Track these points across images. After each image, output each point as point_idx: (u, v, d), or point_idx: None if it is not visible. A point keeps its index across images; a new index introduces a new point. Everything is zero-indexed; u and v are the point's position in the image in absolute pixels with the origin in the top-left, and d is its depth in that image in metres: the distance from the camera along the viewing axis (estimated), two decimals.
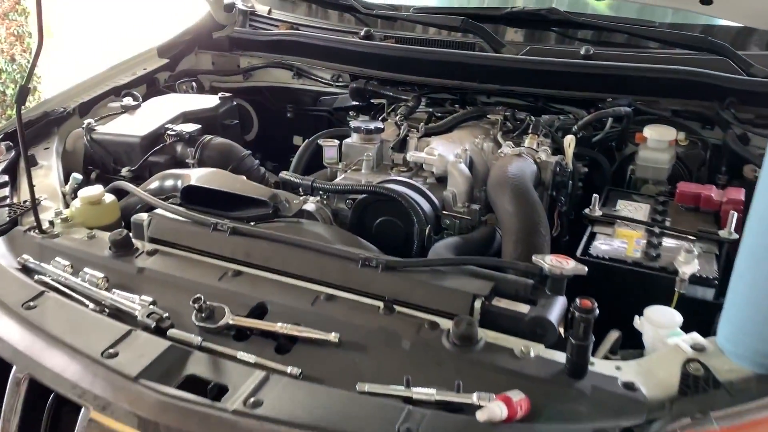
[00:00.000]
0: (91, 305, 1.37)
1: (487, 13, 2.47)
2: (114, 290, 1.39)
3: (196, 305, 1.30)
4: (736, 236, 1.57)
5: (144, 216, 1.63)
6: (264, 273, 1.46)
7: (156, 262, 1.51)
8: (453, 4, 3.05)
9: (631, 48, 2.35)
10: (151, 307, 1.33)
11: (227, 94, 2.33)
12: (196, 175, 1.77)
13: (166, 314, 1.31)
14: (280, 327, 1.26)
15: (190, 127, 2.05)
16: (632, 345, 1.37)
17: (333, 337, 1.24)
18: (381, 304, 1.33)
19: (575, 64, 2.17)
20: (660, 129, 1.98)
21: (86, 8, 6.88)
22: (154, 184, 1.84)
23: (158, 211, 1.64)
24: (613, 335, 1.35)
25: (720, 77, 2.04)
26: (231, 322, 1.30)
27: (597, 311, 1.11)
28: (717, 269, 1.48)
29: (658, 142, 1.98)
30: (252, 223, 1.59)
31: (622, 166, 2.15)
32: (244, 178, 1.84)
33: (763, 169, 1.08)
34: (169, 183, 1.81)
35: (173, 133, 2.02)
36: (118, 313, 1.35)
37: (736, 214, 1.56)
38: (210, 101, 2.30)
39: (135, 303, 1.35)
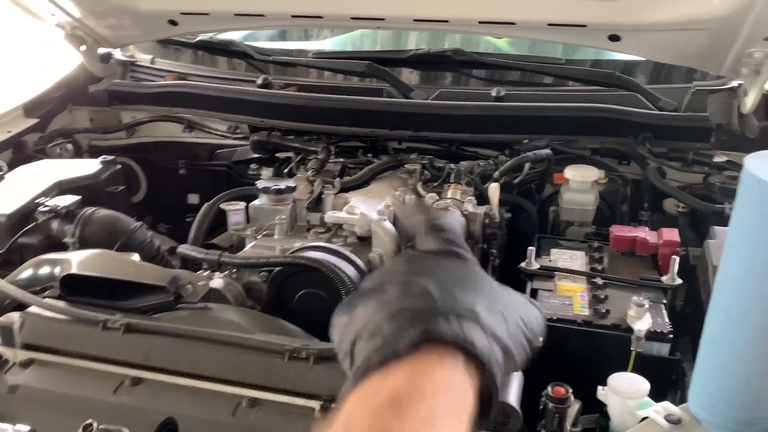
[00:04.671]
0: None
1: (391, 56, 2.37)
2: None
3: None
4: (679, 282, 1.50)
5: (15, 316, 1.35)
6: (170, 378, 1.23)
7: (32, 377, 1.25)
8: (346, 48, 2.94)
9: (534, 86, 2.32)
10: None
11: (110, 157, 2.06)
12: (78, 259, 1.50)
13: None
14: None
15: (67, 200, 1.77)
16: (586, 408, 1.26)
17: None
18: (317, 404, 1.14)
19: (488, 107, 2.09)
20: (582, 169, 1.93)
21: None
22: (25, 273, 1.55)
23: (32, 308, 1.36)
24: (574, 406, 1.22)
25: (633, 113, 2.03)
26: None
27: (572, 399, 0.98)
28: (668, 320, 1.40)
29: (581, 183, 1.92)
30: (150, 315, 1.35)
31: (543, 208, 2.08)
32: (137, 257, 1.58)
33: (731, 226, 0.99)
34: (44, 271, 1.53)
35: (47, 208, 1.73)
36: None
37: (677, 259, 1.50)
38: (90, 166, 2.02)
39: None
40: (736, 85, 2.01)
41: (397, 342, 0.64)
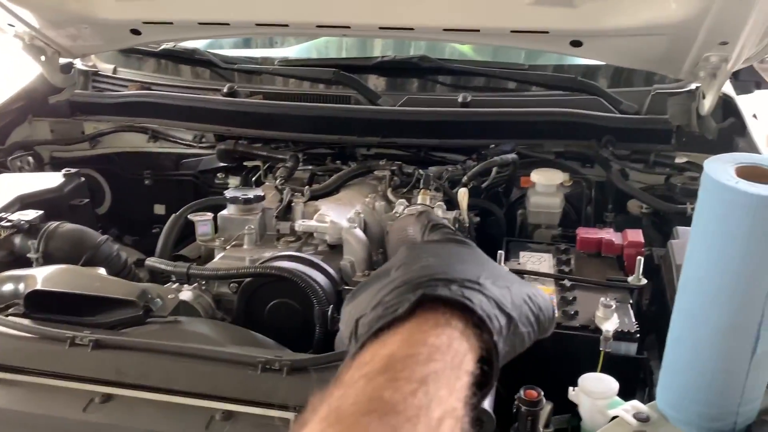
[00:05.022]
0: None
1: (357, 63, 2.38)
2: None
3: None
4: (645, 282, 1.54)
5: None
6: (141, 393, 1.20)
7: None
8: (312, 55, 2.94)
9: (498, 91, 2.35)
10: None
11: (73, 170, 2.02)
12: (43, 276, 1.47)
13: None
14: None
15: (30, 214, 1.73)
16: (558, 408, 1.27)
17: None
18: (292, 416, 1.13)
19: (455, 112, 2.12)
20: (547, 173, 1.96)
21: None
22: None
23: None
24: (546, 408, 1.24)
25: (596, 117, 2.07)
26: None
27: (544, 402, 1.00)
28: (634, 320, 1.43)
29: (546, 186, 1.95)
30: (119, 330, 1.33)
31: (511, 212, 2.11)
32: (103, 271, 1.56)
33: (693, 228, 1.02)
34: (8, 288, 1.49)
35: (9, 223, 1.69)
36: None
37: (642, 260, 1.53)
38: (52, 179, 1.98)
39: None
40: (694, 87, 2.07)
41: (397, 309, 0.64)
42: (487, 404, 1.13)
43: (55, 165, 2.46)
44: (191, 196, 2.38)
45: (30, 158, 2.32)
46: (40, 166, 2.43)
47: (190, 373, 1.21)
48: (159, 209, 2.53)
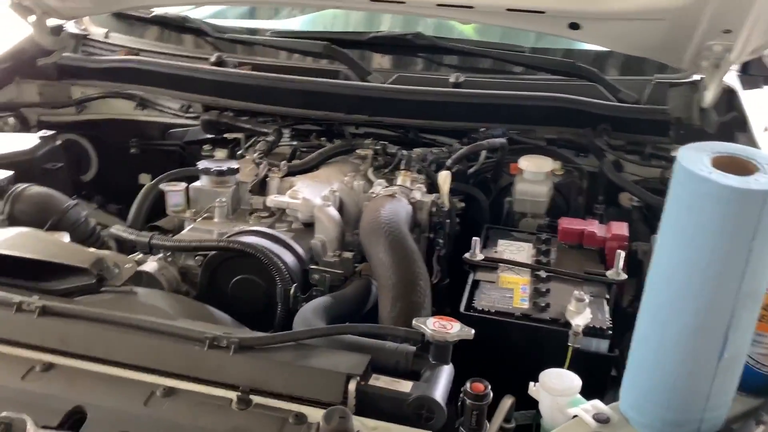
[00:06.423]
0: None
1: (350, 38, 2.30)
2: None
3: None
4: (624, 277, 1.47)
5: None
6: (84, 364, 1.16)
7: None
8: (317, 28, 2.86)
9: (501, 74, 2.27)
10: None
11: (49, 132, 1.97)
12: (0, 238, 1.42)
13: None
14: None
15: None
16: (525, 403, 1.22)
17: None
18: (235, 395, 1.08)
19: (446, 93, 2.04)
20: (536, 160, 1.88)
21: None
22: None
23: None
24: (507, 402, 1.18)
25: (593, 104, 1.98)
26: None
27: (491, 396, 0.94)
28: (609, 316, 1.36)
29: (534, 174, 1.87)
30: (72, 299, 1.29)
31: (499, 199, 2.03)
32: (66, 237, 1.51)
33: (663, 220, 0.95)
34: None
35: None
36: None
37: (622, 253, 1.46)
38: (26, 141, 1.94)
39: None
40: (698, 79, 1.98)
41: None
42: (440, 396, 1.08)
43: (43, 128, 2.41)
44: (177, 167, 2.32)
45: (11, 119, 2.28)
46: (26, 128, 2.39)
47: (134, 345, 1.16)
48: (144, 179, 2.47)
